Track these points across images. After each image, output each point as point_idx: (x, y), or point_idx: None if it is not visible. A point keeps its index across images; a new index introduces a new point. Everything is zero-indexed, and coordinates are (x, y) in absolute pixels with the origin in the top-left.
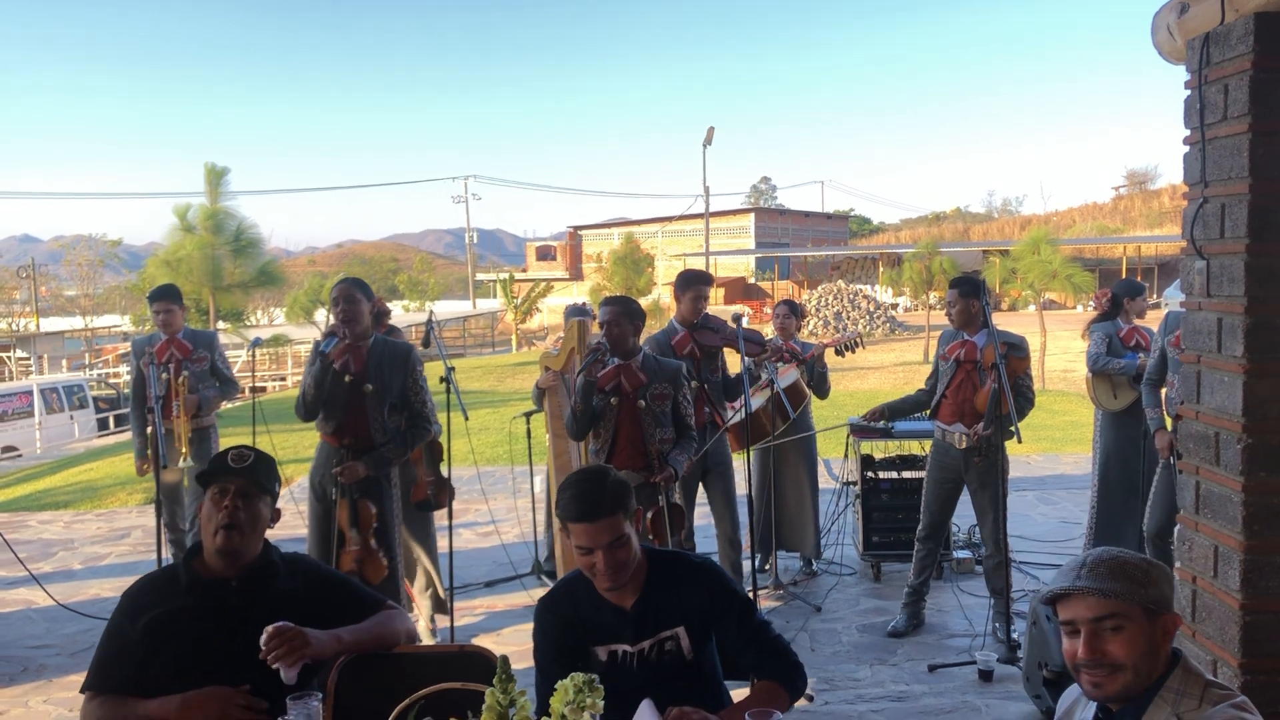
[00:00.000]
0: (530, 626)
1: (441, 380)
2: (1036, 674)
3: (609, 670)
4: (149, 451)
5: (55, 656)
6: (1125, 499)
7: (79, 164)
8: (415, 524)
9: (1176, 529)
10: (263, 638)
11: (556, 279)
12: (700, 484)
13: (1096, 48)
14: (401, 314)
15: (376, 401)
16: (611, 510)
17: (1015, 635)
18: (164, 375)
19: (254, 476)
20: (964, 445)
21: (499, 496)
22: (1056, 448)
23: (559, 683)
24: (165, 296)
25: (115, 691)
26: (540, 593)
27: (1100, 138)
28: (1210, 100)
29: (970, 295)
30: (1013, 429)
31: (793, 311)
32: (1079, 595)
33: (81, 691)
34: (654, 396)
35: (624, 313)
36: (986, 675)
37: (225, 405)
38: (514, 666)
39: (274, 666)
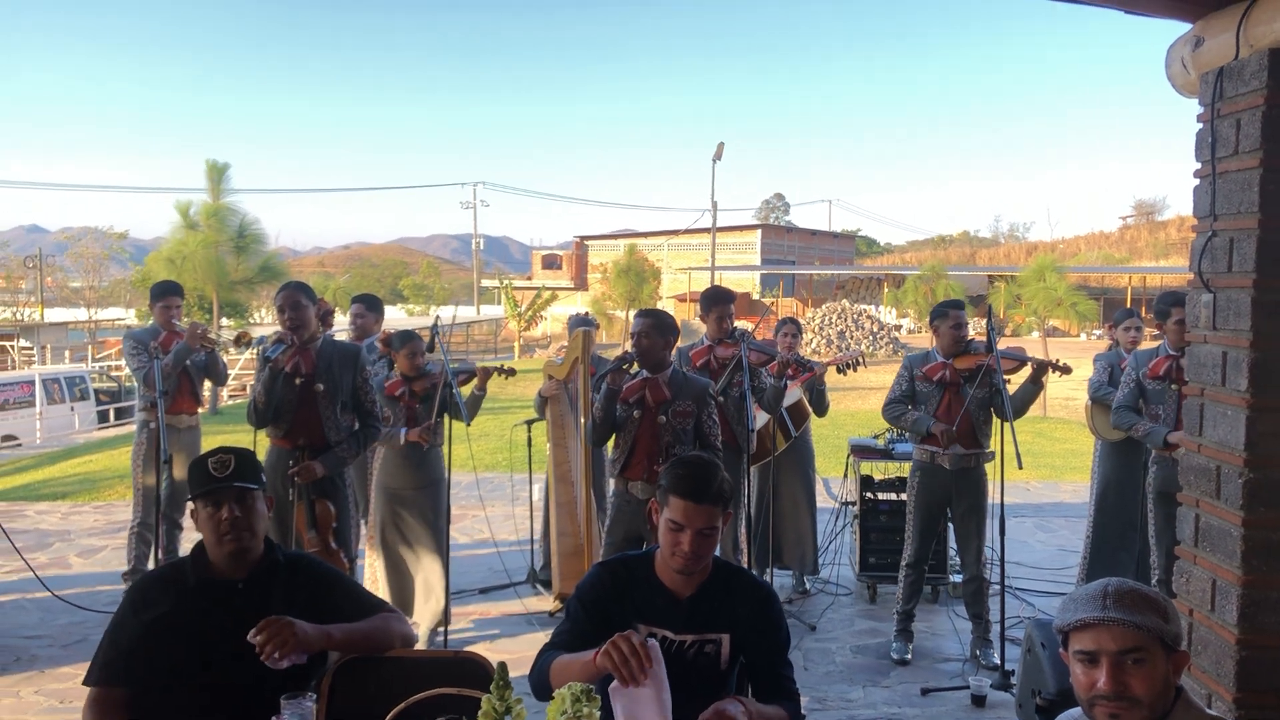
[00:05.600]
0: (525, 635)
1: (445, 385)
2: (1030, 701)
3: None
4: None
5: (48, 648)
6: (1121, 530)
7: (88, 155)
8: (431, 534)
9: (1176, 562)
10: (251, 633)
11: (561, 288)
12: None
13: (1108, 78)
14: (405, 318)
15: (328, 401)
16: (716, 500)
17: (998, 660)
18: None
19: (241, 479)
20: (952, 467)
21: (496, 503)
22: (1056, 475)
23: (557, 691)
24: (178, 292)
25: (120, 685)
26: (535, 602)
27: (1109, 168)
28: (1222, 134)
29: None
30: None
31: (798, 330)
32: (1106, 626)
33: (85, 684)
34: (676, 413)
35: (655, 325)
36: (979, 700)
37: (226, 400)
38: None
39: (266, 658)
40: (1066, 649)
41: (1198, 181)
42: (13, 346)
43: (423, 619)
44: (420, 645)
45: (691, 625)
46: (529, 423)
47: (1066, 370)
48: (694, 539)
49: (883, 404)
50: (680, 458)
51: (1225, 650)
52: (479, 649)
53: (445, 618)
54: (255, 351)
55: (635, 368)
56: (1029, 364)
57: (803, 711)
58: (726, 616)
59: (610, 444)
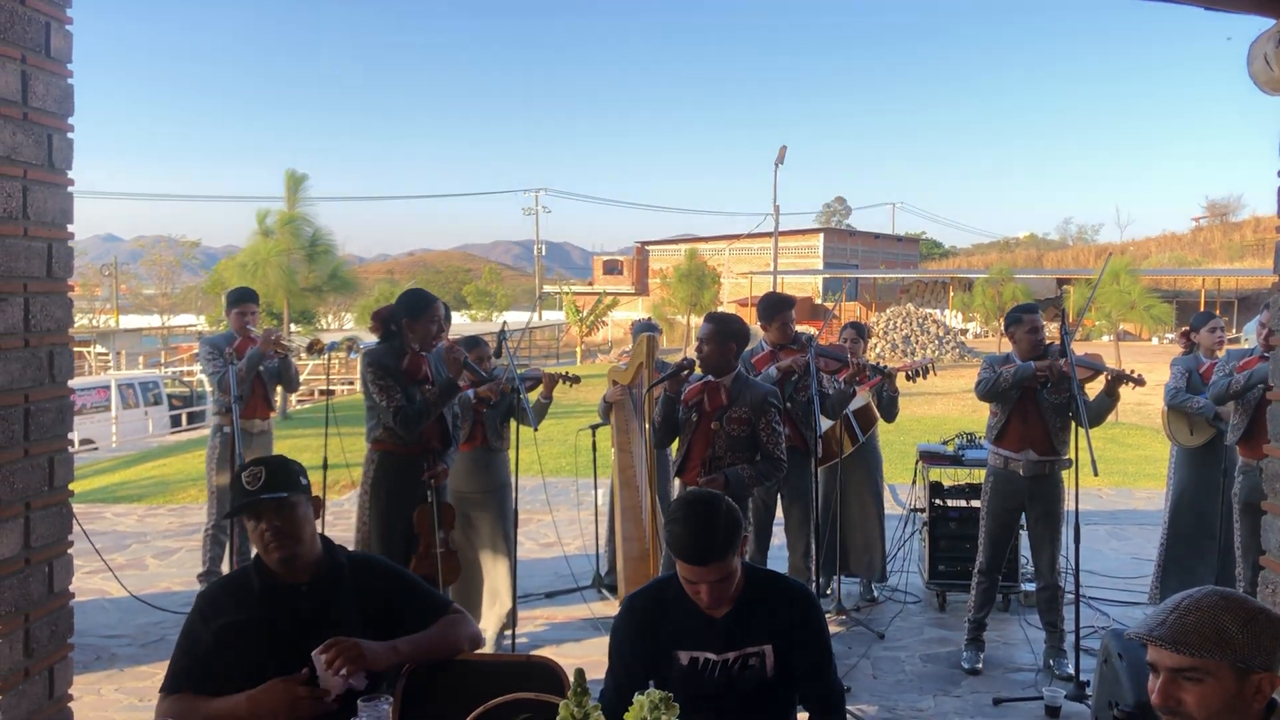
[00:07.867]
0: (590, 640)
1: (513, 390)
2: (1106, 713)
3: (688, 675)
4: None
5: (127, 646)
6: (1197, 539)
7: (161, 165)
8: (498, 538)
9: (1260, 573)
10: (316, 650)
11: (622, 293)
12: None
13: (1177, 76)
14: (468, 323)
15: None
16: (721, 555)
17: (1072, 671)
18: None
19: (273, 489)
20: (1026, 474)
21: (562, 508)
22: (1129, 482)
23: (636, 697)
24: (253, 298)
25: (190, 691)
26: (601, 606)
27: (1179, 168)
28: None
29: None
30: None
31: (860, 334)
32: (1157, 645)
33: (161, 691)
34: (730, 420)
35: (716, 332)
36: (1054, 712)
37: (295, 406)
38: None
39: (333, 678)
40: None
41: None
42: (89, 352)
43: (489, 622)
44: (487, 648)
45: (731, 643)
46: (594, 427)
47: (1140, 382)
48: (709, 589)
49: (975, 386)
50: (677, 507)
51: None
52: (545, 653)
53: (512, 621)
54: (339, 355)
55: (696, 371)
56: (1104, 374)
57: None
58: (765, 627)
59: (674, 446)
